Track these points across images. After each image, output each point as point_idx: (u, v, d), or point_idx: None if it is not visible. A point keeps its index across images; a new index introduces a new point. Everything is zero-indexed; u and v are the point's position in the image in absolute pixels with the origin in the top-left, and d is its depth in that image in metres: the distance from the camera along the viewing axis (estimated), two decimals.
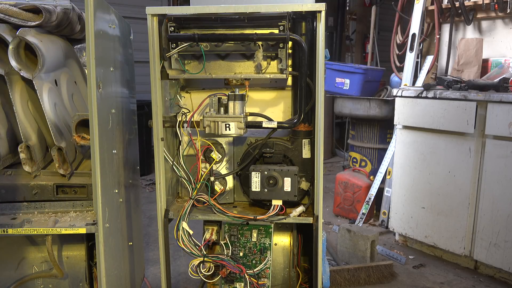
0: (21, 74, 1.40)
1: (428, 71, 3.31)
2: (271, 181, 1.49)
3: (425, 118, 2.75)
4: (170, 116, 1.59)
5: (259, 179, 1.49)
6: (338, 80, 3.77)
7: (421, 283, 2.56)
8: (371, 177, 3.55)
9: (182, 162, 1.62)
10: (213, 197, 1.57)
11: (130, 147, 1.77)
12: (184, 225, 1.51)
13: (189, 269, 1.54)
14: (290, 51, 1.54)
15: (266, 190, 1.49)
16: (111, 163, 1.48)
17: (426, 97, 2.75)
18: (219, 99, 1.52)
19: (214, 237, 1.63)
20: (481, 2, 2.87)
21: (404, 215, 2.99)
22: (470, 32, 3.12)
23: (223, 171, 1.67)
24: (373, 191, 3.44)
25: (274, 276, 1.81)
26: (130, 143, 1.77)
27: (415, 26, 3.26)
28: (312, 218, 1.49)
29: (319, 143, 1.44)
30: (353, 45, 6.46)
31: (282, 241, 1.81)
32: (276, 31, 1.43)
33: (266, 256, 1.60)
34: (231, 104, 1.49)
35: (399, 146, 2.98)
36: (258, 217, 1.50)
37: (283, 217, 1.51)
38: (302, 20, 1.50)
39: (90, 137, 1.34)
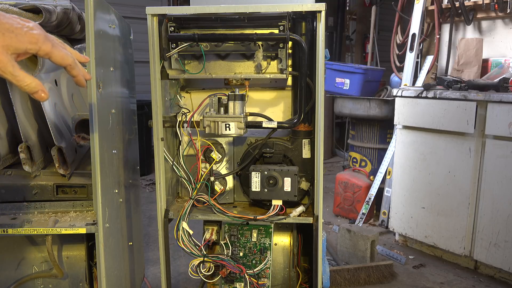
0: None
1: (428, 71, 3.31)
2: (271, 181, 1.49)
3: (425, 118, 2.75)
4: (170, 116, 1.59)
5: (259, 179, 1.49)
6: (338, 80, 3.77)
7: (421, 283, 2.56)
8: (371, 177, 3.55)
9: (182, 162, 1.62)
10: (213, 197, 1.57)
11: (130, 147, 1.77)
12: (184, 225, 1.51)
13: (189, 269, 1.54)
14: (290, 51, 1.54)
15: (266, 190, 1.49)
16: (111, 163, 1.48)
17: (426, 97, 2.75)
18: (219, 99, 1.52)
19: (214, 237, 1.63)
20: (481, 2, 2.87)
21: (404, 215, 2.99)
22: (470, 32, 3.12)
23: (223, 171, 1.67)
24: (373, 191, 3.44)
25: (274, 276, 1.81)
26: (130, 143, 1.77)
27: (415, 26, 3.26)
28: (312, 218, 1.49)
29: (319, 143, 1.44)
30: (353, 45, 6.46)
31: (282, 241, 1.81)
32: (276, 31, 1.43)
33: (266, 256, 1.60)
34: (231, 104, 1.49)
35: (399, 146, 2.98)
36: (258, 217, 1.50)
37: (283, 217, 1.51)
38: (302, 20, 1.50)
39: (90, 137, 1.34)
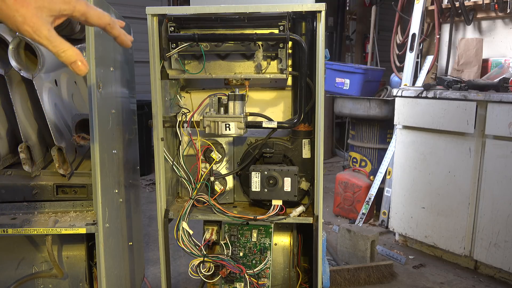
0: (21, 74, 1.40)
1: (428, 71, 3.31)
2: (271, 181, 1.49)
3: (425, 118, 2.75)
4: (170, 116, 1.59)
5: (259, 179, 1.49)
6: (338, 80, 3.77)
7: (421, 283, 2.56)
8: (371, 177, 3.55)
9: (182, 162, 1.62)
10: (213, 197, 1.57)
11: (130, 147, 1.77)
12: (184, 225, 1.51)
13: (189, 269, 1.54)
14: (290, 51, 1.54)
15: (266, 190, 1.49)
16: (111, 163, 1.48)
17: (426, 97, 2.75)
18: (219, 99, 1.52)
19: (214, 237, 1.63)
20: (481, 2, 2.88)
21: (404, 215, 2.99)
22: (470, 32, 3.12)
23: (223, 171, 1.67)
24: (373, 191, 3.44)
25: (274, 276, 1.81)
26: (130, 143, 1.77)
27: (415, 26, 3.26)
28: (312, 218, 1.49)
29: (319, 143, 1.44)
30: (353, 45, 6.46)
31: (282, 241, 1.81)
32: (276, 31, 1.43)
33: (266, 256, 1.60)
34: (231, 104, 1.49)
35: (399, 146, 2.98)
36: (258, 217, 1.50)
37: (283, 217, 1.51)
38: (302, 20, 1.50)
39: (90, 137, 1.34)
